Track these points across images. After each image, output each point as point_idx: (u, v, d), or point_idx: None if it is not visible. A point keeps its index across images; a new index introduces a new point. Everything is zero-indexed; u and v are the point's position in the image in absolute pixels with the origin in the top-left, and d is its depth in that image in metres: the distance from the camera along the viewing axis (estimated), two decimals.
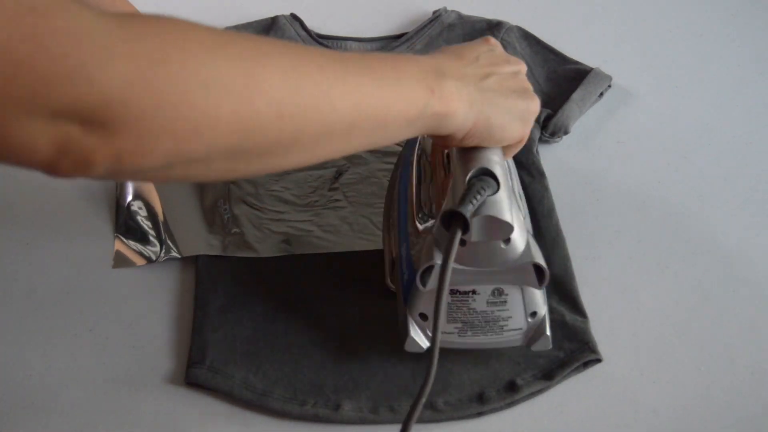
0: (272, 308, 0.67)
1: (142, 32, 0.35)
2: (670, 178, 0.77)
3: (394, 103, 0.46)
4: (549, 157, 0.78)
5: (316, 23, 0.89)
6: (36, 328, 0.66)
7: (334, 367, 0.63)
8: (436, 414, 0.61)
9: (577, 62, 0.84)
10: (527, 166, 0.75)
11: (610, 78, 0.83)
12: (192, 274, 0.69)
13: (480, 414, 0.61)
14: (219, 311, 0.67)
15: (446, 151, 0.60)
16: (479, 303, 0.56)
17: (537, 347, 0.59)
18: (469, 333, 0.58)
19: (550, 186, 0.74)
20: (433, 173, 0.62)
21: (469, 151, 0.53)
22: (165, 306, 0.68)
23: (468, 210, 0.49)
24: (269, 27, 0.88)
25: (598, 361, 0.64)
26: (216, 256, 0.70)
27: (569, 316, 0.66)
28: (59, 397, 0.62)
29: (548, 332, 0.58)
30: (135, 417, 0.61)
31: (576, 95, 0.80)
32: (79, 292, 0.68)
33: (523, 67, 0.57)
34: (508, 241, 0.52)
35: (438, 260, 0.52)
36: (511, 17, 0.88)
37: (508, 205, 0.51)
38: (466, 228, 0.49)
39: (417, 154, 0.64)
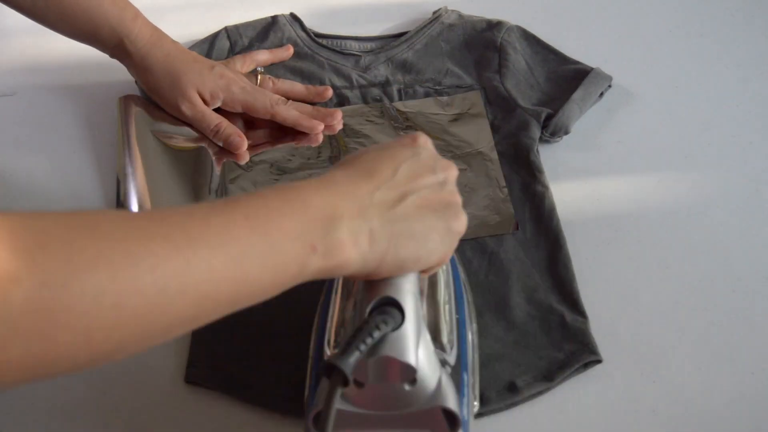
0: (272, 307, 0.66)
1: None
2: (670, 178, 0.77)
3: (258, 278, 0.39)
4: (549, 157, 0.78)
5: (316, 23, 0.90)
6: None
7: None
8: None
9: (577, 62, 0.84)
10: (527, 166, 0.76)
11: (610, 78, 0.83)
12: None
13: (480, 415, 0.61)
14: None
15: None
16: None
17: None
18: None
19: (550, 186, 0.74)
20: (351, 294, 0.55)
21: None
22: None
23: (349, 362, 0.42)
24: (269, 27, 0.88)
25: (598, 361, 0.64)
26: None
27: (569, 317, 0.66)
28: (59, 397, 0.62)
29: None
30: (134, 416, 0.61)
31: (576, 95, 0.80)
32: None
33: (453, 173, 0.50)
34: (413, 381, 0.45)
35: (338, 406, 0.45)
36: (511, 17, 0.88)
37: (414, 341, 0.44)
38: (346, 382, 0.42)
39: None
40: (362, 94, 0.83)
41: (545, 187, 0.74)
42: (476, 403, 0.56)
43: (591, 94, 0.81)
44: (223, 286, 0.38)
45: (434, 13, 0.90)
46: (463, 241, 0.70)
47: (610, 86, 0.83)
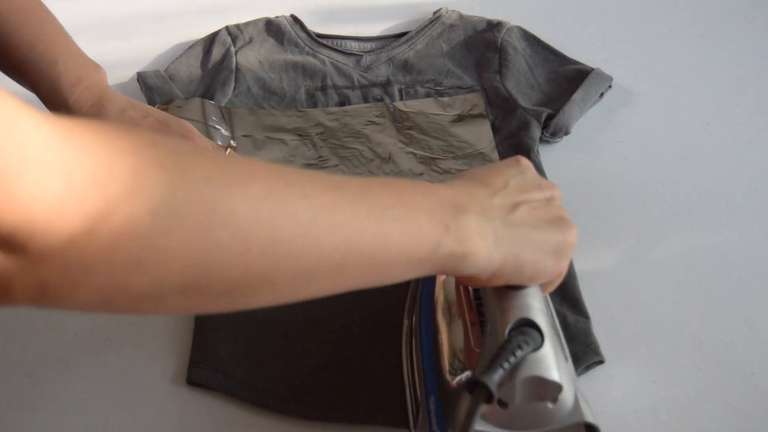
0: (274, 308, 0.66)
1: (85, 145, 0.30)
2: (670, 178, 0.77)
3: (398, 241, 0.40)
4: (550, 157, 0.78)
5: (316, 23, 0.90)
6: (36, 328, 0.66)
7: (335, 367, 0.63)
8: None
9: (577, 62, 0.84)
10: None
11: (610, 78, 0.83)
12: None
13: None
14: None
15: (471, 289, 0.55)
16: None
17: None
18: None
19: None
20: (460, 314, 0.56)
21: (505, 296, 0.47)
22: None
23: (494, 380, 0.42)
24: (270, 26, 0.88)
25: (601, 362, 0.64)
26: None
27: (571, 317, 0.66)
28: (59, 397, 0.62)
29: None
30: (136, 416, 0.61)
31: (577, 96, 0.80)
32: None
33: (558, 193, 0.51)
34: (555, 399, 0.45)
35: (478, 427, 0.46)
36: (512, 17, 0.88)
37: (554, 360, 0.45)
38: (490, 398, 0.43)
39: (437, 293, 0.58)
40: (363, 94, 0.83)
41: None
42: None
43: (591, 95, 0.81)
44: (367, 236, 0.38)
45: (435, 13, 0.90)
46: None
47: (610, 86, 0.83)
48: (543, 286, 0.50)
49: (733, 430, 0.61)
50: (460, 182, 0.47)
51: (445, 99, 0.82)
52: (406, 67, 0.85)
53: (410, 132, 0.79)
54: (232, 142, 0.77)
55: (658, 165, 0.78)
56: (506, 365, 0.43)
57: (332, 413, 0.61)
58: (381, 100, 0.82)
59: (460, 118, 0.81)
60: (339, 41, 0.88)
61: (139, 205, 0.31)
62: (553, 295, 0.67)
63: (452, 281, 0.59)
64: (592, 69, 0.83)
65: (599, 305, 0.67)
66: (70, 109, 0.65)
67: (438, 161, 0.77)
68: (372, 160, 0.77)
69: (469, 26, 0.88)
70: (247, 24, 0.89)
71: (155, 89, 0.82)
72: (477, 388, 0.43)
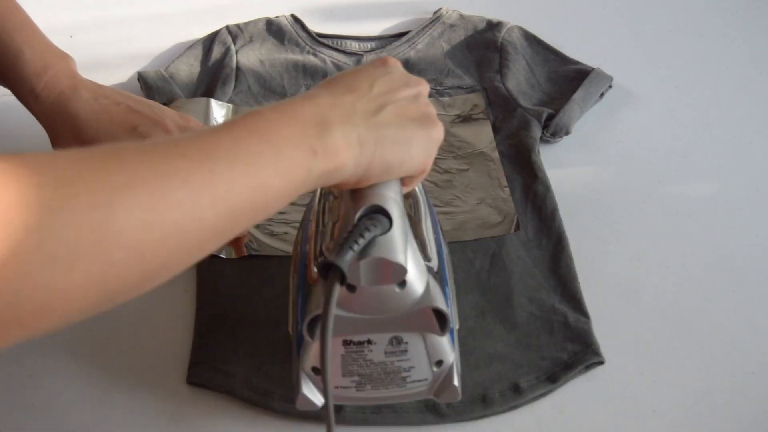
0: (274, 308, 0.67)
1: None
2: (670, 178, 0.77)
3: (274, 184, 0.41)
4: (550, 157, 0.78)
5: (316, 23, 0.90)
6: None
7: None
8: (439, 417, 0.61)
9: (577, 62, 0.84)
10: (529, 166, 0.76)
11: (611, 78, 0.83)
12: (193, 274, 0.69)
13: (483, 416, 0.61)
14: (220, 310, 0.67)
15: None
16: (376, 354, 0.50)
17: (444, 399, 0.54)
18: (368, 387, 0.53)
19: (552, 186, 0.74)
20: (332, 211, 0.56)
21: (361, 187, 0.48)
22: (166, 305, 0.68)
23: (345, 260, 0.43)
24: (270, 25, 0.88)
25: (601, 363, 0.64)
26: (217, 256, 0.70)
27: (572, 317, 0.66)
28: (59, 397, 0.62)
29: (456, 382, 0.53)
30: (136, 417, 0.61)
31: (577, 95, 0.80)
32: None
33: (425, 88, 0.52)
34: (403, 284, 0.46)
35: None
36: (512, 17, 0.88)
37: (402, 244, 0.46)
38: (343, 279, 0.44)
39: (320, 190, 0.59)
40: None
41: (547, 187, 0.74)
42: (457, 324, 0.58)
43: (592, 95, 0.81)
44: (245, 194, 0.40)
45: (435, 12, 0.90)
46: (465, 241, 0.71)
47: (610, 86, 0.83)
48: (406, 180, 0.51)
49: (733, 430, 0.61)
50: (325, 91, 0.48)
51: (446, 99, 0.82)
52: (406, 66, 0.85)
53: None
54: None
55: (658, 165, 0.78)
56: (355, 246, 0.44)
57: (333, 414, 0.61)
58: None
59: (460, 118, 0.81)
60: (340, 41, 0.88)
61: (34, 258, 0.31)
62: (554, 294, 0.67)
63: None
64: (593, 69, 0.83)
65: (599, 305, 0.67)
66: (38, 97, 0.65)
67: (438, 161, 0.77)
68: None
69: (470, 26, 0.88)
70: (248, 23, 0.89)
71: (155, 89, 0.82)
72: (330, 271, 0.44)
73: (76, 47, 0.78)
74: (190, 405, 0.62)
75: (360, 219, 0.46)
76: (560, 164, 0.78)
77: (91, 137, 0.65)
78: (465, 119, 0.80)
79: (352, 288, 0.46)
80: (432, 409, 0.61)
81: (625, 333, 0.66)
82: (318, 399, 0.53)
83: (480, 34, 0.87)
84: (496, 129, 0.80)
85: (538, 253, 0.70)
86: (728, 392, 0.63)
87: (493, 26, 0.87)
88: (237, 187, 0.39)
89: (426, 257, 0.52)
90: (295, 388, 0.53)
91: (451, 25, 0.88)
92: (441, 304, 0.48)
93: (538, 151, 0.77)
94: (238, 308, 0.67)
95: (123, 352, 0.65)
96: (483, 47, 0.86)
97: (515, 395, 0.62)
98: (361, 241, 0.44)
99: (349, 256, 0.44)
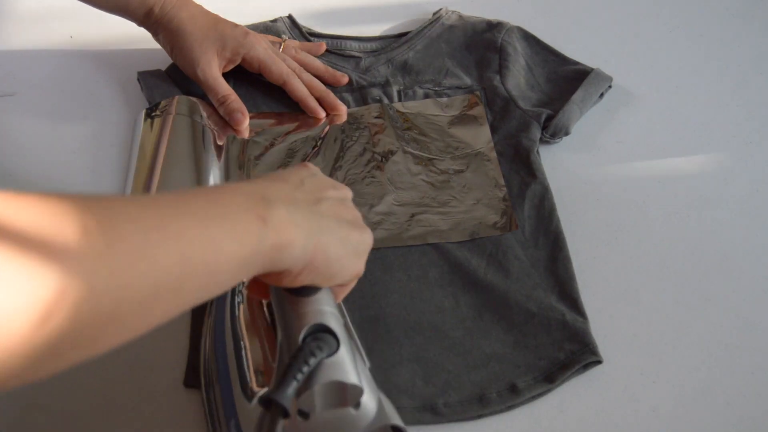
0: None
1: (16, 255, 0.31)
2: (670, 178, 0.77)
3: (225, 244, 0.40)
4: (549, 157, 0.78)
5: (316, 23, 0.90)
6: None
7: None
8: (436, 417, 0.61)
9: (577, 63, 0.84)
10: (528, 166, 0.76)
11: (610, 79, 0.83)
12: None
13: (480, 416, 0.61)
14: None
15: (265, 302, 0.55)
16: None
17: None
18: None
19: (550, 186, 0.74)
20: (255, 332, 0.54)
21: (297, 303, 0.47)
22: None
23: (287, 394, 0.41)
24: (268, 30, 0.88)
25: (599, 362, 0.64)
26: None
27: (569, 316, 0.66)
28: (59, 397, 0.62)
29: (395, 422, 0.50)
30: (134, 418, 0.61)
31: (576, 96, 0.80)
32: None
33: (349, 194, 0.53)
34: (358, 405, 0.45)
35: None
36: (511, 17, 0.88)
37: (352, 363, 0.44)
38: (286, 414, 0.42)
39: (231, 306, 0.57)
40: (362, 95, 0.83)
41: (545, 187, 0.74)
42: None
43: (591, 95, 0.81)
44: (197, 245, 0.39)
45: (434, 14, 0.90)
46: (462, 242, 0.71)
47: (610, 86, 0.83)
48: (338, 289, 0.50)
49: (733, 430, 0.61)
50: (260, 179, 0.48)
51: (444, 100, 0.82)
52: (405, 68, 0.85)
53: (408, 133, 0.79)
54: (284, 36, 0.85)
55: (658, 165, 0.78)
56: (299, 376, 0.42)
57: None
58: (379, 100, 0.82)
59: (458, 119, 0.81)
60: (338, 42, 0.88)
61: (75, 297, 0.33)
62: (551, 294, 0.67)
63: (243, 303, 0.57)
64: (592, 69, 0.83)
65: (599, 305, 0.67)
66: (161, 8, 0.78)
67: (435, 161, 0.77)
68: (370, 161, 0.77)
69: (469, 27, 0.88)
70: (246, 26, 0.89)
71: (155, 89, 0.82)
72: (272, 406, 0.42)
73: (76, 47, 0.78)
74: (189, 406, 0.62)
75: (304, 340, 0.44)
76: (559, 165, 0.78)
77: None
78: (463, 119, 0.80)
79: (305, 414, 0.44)
80: (429, 409, 0.61)
81: (625, 333, 0.66)
82: None
83: (479, 34, 0.87)
84: (494, 129, 0.79)
85: (535, 253, 0.70)
86: (728, 392, 0.63)
87: (492, 27, 0.87)
88: (189, 237, 0.39)
89: (364, 361, 0.50)
90: None
91: (450, 26, 0.88)
92: (398, 420, 0.46)
93: (538, 152, 0.77)
94: None
95: (120, 354, 0.64)
96: (482, 48, 0.86)
97: (513, 395, 0.62)
98: (306, 369, 0.43)
99: (293, 388, 0.42)
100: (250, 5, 0.92)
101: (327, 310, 0.46)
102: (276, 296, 0.49)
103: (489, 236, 0.71)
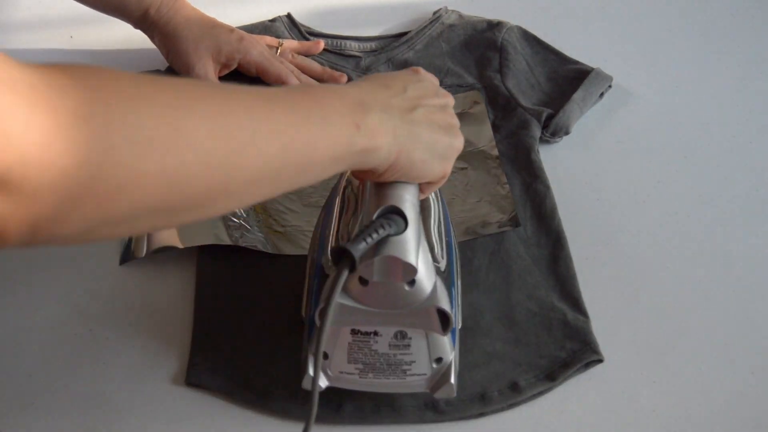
0: (273, 308, 0.67)
1: (65, 85, 0.33)
2: (670, 178, 0.77)
3: (321, 143, 0.44)
4: (550, 157, 0.78)
5: (315, 22, 0.90)
6: (36, 328, 0.66)
7: None
8: (437, 415, 0.61)
9: (577, 62, 0.84)
10: (528, 165, 0.76)
11: (610, 78, 0.83)
12: (192, 274, 0.69)
13: (481, 415, 0.61)
14: (219, 311, 0.67)
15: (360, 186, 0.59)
16: (381, 345, 0.53)
17: (440, 395, 0.56)
18: (371, 375, 0.56)
19: (551, 186, 0.74)
20: (355, 205, 0.59)
21: (383, 187, 0.51)
22: (165, 306, 0.68)
23: (358, 248, 0.47)
24: (267, 29, 0.88)
25: (600, 361, 0.64)
26: (217, 257, 0.69)
27: (570, 315, 0.66)
28: (59, 397, 0.62)
29: (453, 380, 0.56)
30: (135, 417, 0.61)
31: (577, 95, 0.80)
32: (80, 292, 0.68)
33: (451, 101, 0.56)
34: (412, 283, 0.49)
35: (337, 299, 0.49)
36: (511, 17, 0.88)
37: (415, 246, 0.49)
38: (353, 266, 0.47)
39: (343, 184, 0.61)
40: None
41: (546, 186, 0.74)
42: (460, 324, 0.60)
43: (591, 95, 0.81)
44: (297, 141, 0.43)
45: (434, 13, 0.90)
46: (464, 240, 0.71)
47: (610, 86, 0.83)
48: (425, 186, 0.54)
49: (733, 430, 0.61)
50: (366, 83, 0.52)
51: None
52: (405, 67, 0.85)
53: None
54: (280, 40, 0.85)
55: (658, 165, 0.78)
56: (368, 239, 0.47)
57: (332, 414, 0.61)
58: None
59: (459, 117, 0.80)
60: (338, 41, 0.88)
61: (117, 137, 0.34)
62: (552, 292, 0.67)
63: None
64: (592, 69, 0.83)
65: (599, 305, 0.67)
66: (157, 10, 0.77)
67: None
68: None
69: (469, 26, 0.88)
70: (243, 28, 0.88)
71: None
72: (342, 257, 0.47)
73: (76, 47, 0.78)
74: (189, 406, 0.62)
75: (378, 217, 0.50)
76: (560, 164, 0.78)
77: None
78: (464, 117, 0.80)
79: (364, 281, 0.49)
80: (431, 407, 0.61)
81: (626, 332, 0.66)
82: (323, 381, 0.56)
83: (480, 34, 0.87)
84: (495, 128, 0.80)
85: (537, 252, 0.70)
86: (728, 392, 0.63)
87: (492, 26, 0.87)
88: (291, 132, 0.43)
89: (435, 259, 0.54)
90: (302, 369, 0.56)
91: (451, 26, 0.88)
92: (446, 305, 0.51)
93: (538, 151, 0.77)
94: (237, 309, 0.67)
95: (123, 352, 0.65)
96: (483, 47, 0.86)
97: (514, 393, 0.62)
98: (375, 236, 0.47)
99: (362, 246, 0.47)
100: (249, 5, 0.92)
101: (404, 197, 0.51)
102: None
103: (491, 235, 0.71)
